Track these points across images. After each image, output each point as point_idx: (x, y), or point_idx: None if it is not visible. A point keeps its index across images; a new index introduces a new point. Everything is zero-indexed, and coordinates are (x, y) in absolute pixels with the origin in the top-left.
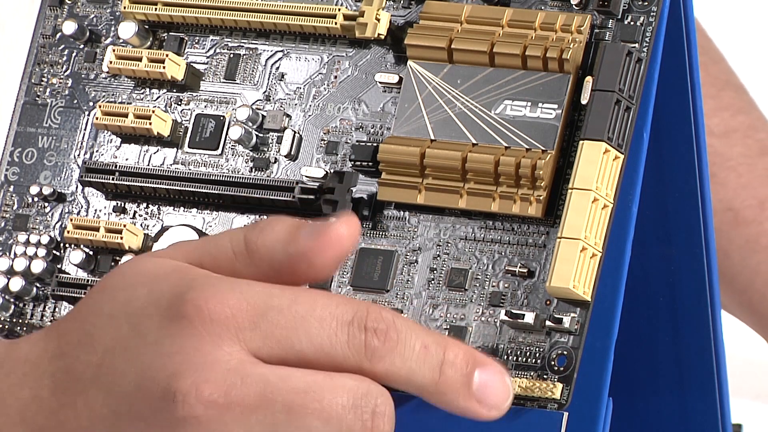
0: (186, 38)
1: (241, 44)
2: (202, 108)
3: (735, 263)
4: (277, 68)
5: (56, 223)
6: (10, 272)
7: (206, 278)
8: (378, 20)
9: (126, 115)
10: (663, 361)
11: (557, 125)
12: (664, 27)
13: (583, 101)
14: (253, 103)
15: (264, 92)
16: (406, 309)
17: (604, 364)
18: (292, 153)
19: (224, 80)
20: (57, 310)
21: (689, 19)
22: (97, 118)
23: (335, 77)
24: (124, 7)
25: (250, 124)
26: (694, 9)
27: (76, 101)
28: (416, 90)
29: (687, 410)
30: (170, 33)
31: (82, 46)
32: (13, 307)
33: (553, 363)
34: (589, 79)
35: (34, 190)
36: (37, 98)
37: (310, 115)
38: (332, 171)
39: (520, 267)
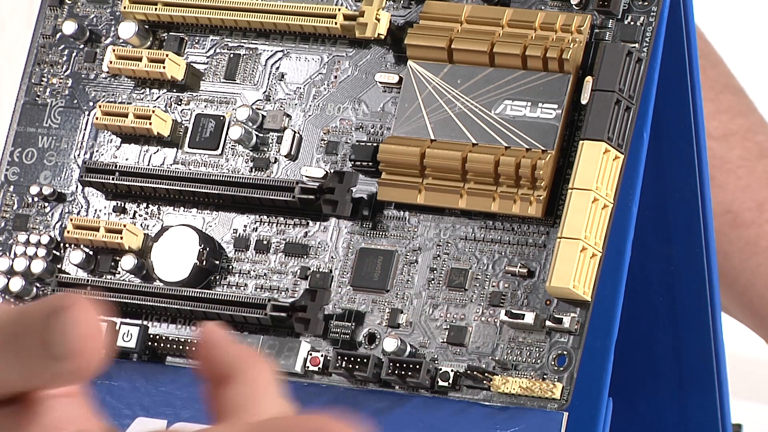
0: (186, 38)
1: (241, 44)
2: (202, 108)
3: (735, 265)
4: (277, 68)
5: (56, 223)
6: (10, 272)
7: None
8: (378, 20)
9: (126, 115)
10: (663, 361)
11: (557, 125)
12: (664, 27)
13: (583, 101)
14: (253, 103)
15: (264, 92)
16: (406, 309)
17: (604, 364)
18: (292, 153)
19: (224, 80)
20: None
21: (689, 19)
22: (97, 118)
23: (335, 77)
24: (124, 7)
25: (250, 124)
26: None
27: (76, 101)
28: (416, 90)
29: (687, 410)
30: (170, 33)
31: (82, 46)
32: None
33: (553, 363)
34: (589, 79)
35: (34, 190)
36: (37, 98)
37: (310, 115)
38: (332, 171)
39: (520, 267)
